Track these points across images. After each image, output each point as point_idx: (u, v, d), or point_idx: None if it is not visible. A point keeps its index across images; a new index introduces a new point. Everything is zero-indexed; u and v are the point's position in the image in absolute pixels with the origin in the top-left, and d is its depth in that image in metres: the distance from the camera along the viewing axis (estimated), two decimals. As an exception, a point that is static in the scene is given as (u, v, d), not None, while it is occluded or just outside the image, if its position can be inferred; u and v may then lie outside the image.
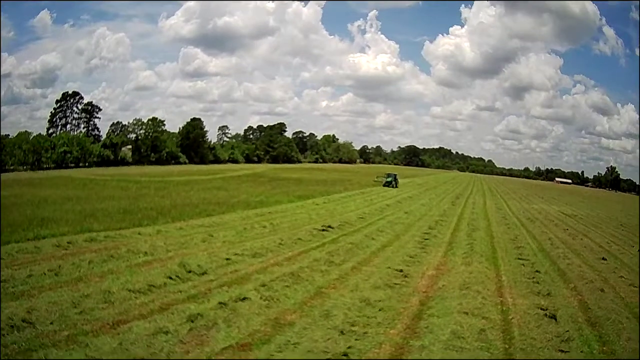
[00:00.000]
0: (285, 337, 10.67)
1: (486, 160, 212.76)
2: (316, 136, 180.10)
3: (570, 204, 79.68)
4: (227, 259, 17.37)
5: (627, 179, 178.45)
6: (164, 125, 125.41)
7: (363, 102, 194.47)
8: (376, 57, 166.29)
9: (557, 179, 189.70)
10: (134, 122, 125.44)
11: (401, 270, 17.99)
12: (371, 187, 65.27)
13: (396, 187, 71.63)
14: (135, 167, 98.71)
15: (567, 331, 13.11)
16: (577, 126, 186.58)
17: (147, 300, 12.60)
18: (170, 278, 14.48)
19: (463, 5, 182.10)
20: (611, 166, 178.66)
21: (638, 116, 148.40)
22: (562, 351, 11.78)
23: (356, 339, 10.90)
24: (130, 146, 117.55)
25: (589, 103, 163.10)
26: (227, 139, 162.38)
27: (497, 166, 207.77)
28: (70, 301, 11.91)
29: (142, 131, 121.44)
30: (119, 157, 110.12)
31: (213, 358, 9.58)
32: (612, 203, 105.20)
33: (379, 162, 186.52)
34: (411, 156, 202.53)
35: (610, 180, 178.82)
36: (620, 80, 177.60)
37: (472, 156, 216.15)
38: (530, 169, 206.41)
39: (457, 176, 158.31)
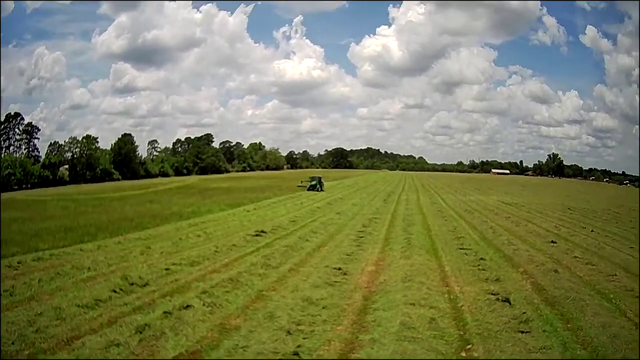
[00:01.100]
0: (232, 342, 11.35)
1: (417, 157, 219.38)
2: (243, 145, 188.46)
3: (509, 193, 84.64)
4: (167, 269, 18.49)
5: (571, 165, 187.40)
6: (97, 142, 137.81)
7: (288, 108, 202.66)
8: (301, 62, 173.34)
9: (493, 170, 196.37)
10: (69, 141, 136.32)
11: (339, 268, 19.04)
12: (300, 192, 69.27)
13: (321, 190, 72.95)
14: (73, 186, 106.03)
15: (524, 313, 13.94)
16: (514, 117, 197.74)
17: (96, 314, 13.37)
18: (115, 291, 15.36)
19: (391, 5, 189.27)
20: (553, 153, 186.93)
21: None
22: (522, 332, 12.53)
23: (304, 338, 11.60)
24: (67, 165, 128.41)
25: (526, 93, 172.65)
26: (157, 153, 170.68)
27: (429, 162, 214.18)
28: (26, 320, 12.71)
29: (77, 149, 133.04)
30: (57, 177, 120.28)
31: None
32: (556, 189, 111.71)
33: (307, 167, 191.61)
34: (339, 158, 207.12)
35: (553, 167, 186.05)
36: (561, 69, 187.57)
37: (401, 154, 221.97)
38: (464, 162, 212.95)
39: (387, 175, 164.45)
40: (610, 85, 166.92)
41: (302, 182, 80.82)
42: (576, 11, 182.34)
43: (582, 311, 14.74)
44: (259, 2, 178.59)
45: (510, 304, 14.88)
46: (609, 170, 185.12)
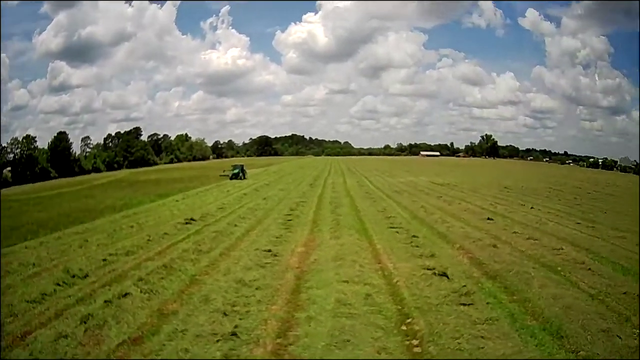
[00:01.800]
0: (172, 326, 11.99)
1: (342, 142, 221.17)
2: (170, 137, 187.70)
3: (440, 174, 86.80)
4: (104, 260, 19.39)
5: (507, 146, 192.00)
6: (36, 142, 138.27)
7: (213, 99, 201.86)
8: (226, 53, 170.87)
9: (422, 152, 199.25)
10: (11, 142, 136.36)
11: (269, 250, 20.06)
12: (227, 180, 71.38)
13: (244, 178, 72.45)
14: (15, 187, 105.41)
15: (464, 286, 14.66)
16: (444, 99, 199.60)
17: (43, 308, 14.02)
18: (59, 284, 16.12)
19: None
20: (486, 134, 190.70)
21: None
22: (464, 304, 13.15)
23: (240, 319, 12.23)
24: (10, 167, 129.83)
25: (458, 75, 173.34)
26: (90, 150, 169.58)
27: (355, 147, 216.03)
28: (-19, 320, 13.29)
29: (18, 150, 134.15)
30: (2, 179, 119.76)
31: (112, 357, 10.76)
32: (490, 169, 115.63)
33: (232, 156, 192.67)
34: (263, 146, 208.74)
35: (486, 148, 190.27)
36: (496, 51, 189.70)
37: (327, 140, 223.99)
38: (392, 146, 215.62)
39: (313, 161, 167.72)
40: (550, 67, 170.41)
41: (224, 171, 79.78)
42: None
43: (528, 283, 15.32)
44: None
45: (448, 278, 15.61)
46: (549, 151, 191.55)
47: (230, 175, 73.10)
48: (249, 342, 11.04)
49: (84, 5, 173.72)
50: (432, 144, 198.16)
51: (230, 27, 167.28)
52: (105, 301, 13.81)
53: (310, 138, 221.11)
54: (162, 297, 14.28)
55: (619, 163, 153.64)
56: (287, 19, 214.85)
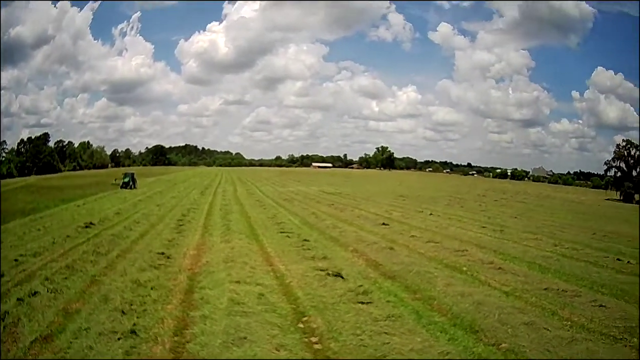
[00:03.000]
0: (76, 325, 12.14)
1: (234, 153, 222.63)
2: (74, 144, 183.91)
3: (332, 184, 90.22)
4: (16, 260, 19.88)
5: (404, 157, 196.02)
6: None
7: (115, 107, 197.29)
8: (131, 60, 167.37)
9: (314, 164, 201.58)
10: None
11: (163, 253, 20.65)
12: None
13: (135, 187, 71.38)
14: None
15: (360, 286, 15.10)
16: (339, 112, 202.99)
17: None
18: None
19: (227, 2, 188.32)
20: (382, 146, 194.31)
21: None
22: (362, 303, 13.43)
23: (138, 317, 12.43)
24: None
25: (355, 88, 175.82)
26: (5, 154, 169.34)
27: (247, 158, 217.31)
28: None
29: None
30: None
31: (28, 355, 10.88)
32: (385, 179, 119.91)
33: (129, 165, 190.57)
34: (158, 156, 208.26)
35: (382, 160, 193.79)
36: (400, 65, 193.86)
37: (219, 150, 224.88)
38: (283, 157, 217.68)
39: (204, 171, 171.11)
40: (458, 81, 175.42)
41: (115, 180, 79.11)
42: (430, 9, 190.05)
43: (431, 282, 15.75)
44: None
45: (343, 278, 16.10)
46: (450, 162, 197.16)
47: (120, 184, 72.12)
48: (148, 340, 11.15)
49: (17, 4, 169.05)
50: (325, 156, 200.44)
51: (138, 34, 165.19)
52: (18, 299, 14.24)
53: (203, 148, 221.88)
54: (67, 297, 14.55)
55: (531, 173, 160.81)
56: (192, 27, 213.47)
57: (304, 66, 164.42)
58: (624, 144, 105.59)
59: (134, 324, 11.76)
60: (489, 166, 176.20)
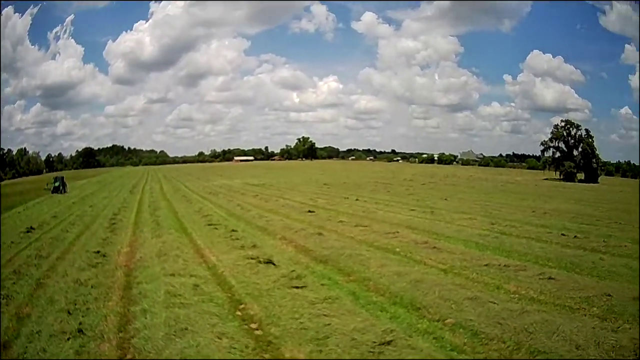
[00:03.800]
0: (28, 329, 11.97)
1: (158, 151, 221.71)
2: (13, 151, 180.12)
3: (255, 176, 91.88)
4: None
5: (325, 147, 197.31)
6: None
7: (48, 111, 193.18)
8: (64, 63, 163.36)
9: (236, 158, 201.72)
10: None
11: (99, 252, 20.46)
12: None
13: (65, 191, 69.91)
14: None
15: (293, 271, 15.26)
16: (259, 105, 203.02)
17: None
18: None
19: (154, 1, 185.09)
20: (303, 137, 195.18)
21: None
22: (297, 287, 13.56)
23: (83, 316, 12.31)
24: None
25: (276, 80, 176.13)
26: None
27: (170, 156, 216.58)
28: None
29: None
30: None
31: None
32: (307, 169, 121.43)
33: (62, 169, 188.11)
34: (88, 158, 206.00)
35: (303, 151, 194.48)
36: (322, 55, 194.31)
37: (144, 150, 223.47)
38: (206, 153, 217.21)
39: (131, 170, 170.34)
40: (382, 69, 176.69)
41: (47, 184, 77.62)
42: None
43: (364, 264, 15.83)
44: (44, 2, 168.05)
45: (274, 265, 16.26)
46: (374, 150, 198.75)
47: (51, 188, 70.82)
48: (95, 338, 11.04)
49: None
50: (246, 149, 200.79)
51: (70, 37, 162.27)
52: (-25, 308, 14.34)
53: (129, 148, 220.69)
54: (17, 302, 14.40)
55: (459, 157, 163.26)
56: (120, 27, 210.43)
57: (226, 61, 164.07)
58: (563, 124, 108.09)
59: (80, 323, 11.68)
60: (414, 152, 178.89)
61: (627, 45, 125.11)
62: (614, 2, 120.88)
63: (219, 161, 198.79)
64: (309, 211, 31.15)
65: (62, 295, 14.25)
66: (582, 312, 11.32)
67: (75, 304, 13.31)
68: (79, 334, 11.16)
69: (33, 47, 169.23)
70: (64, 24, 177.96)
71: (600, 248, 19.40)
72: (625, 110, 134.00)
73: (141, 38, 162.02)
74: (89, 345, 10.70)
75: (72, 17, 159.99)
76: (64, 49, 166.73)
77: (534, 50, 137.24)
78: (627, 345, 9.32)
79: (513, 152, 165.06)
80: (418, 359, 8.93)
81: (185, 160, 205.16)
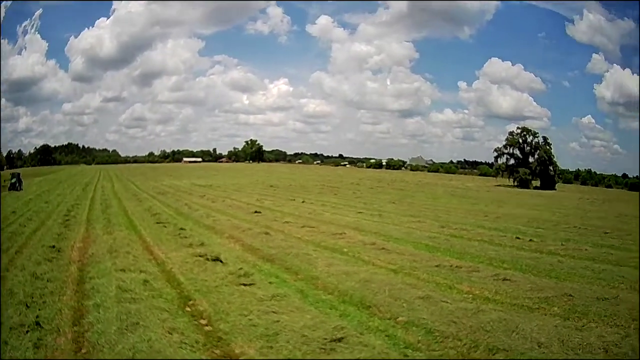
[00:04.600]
0: None
1: (110, 151, 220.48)
2: None
3: (202, 177, 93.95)
4: None
5: (273, 150, 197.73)
6: None
7: (11, 107, 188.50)
8: (29, 58, 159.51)
9: (185, 159, 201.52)
10: None
11: (54, 246, 20.41)
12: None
13: (21, 189, 68.71)
14: None
15: (240, 269, 15.35)
16: (209, 106, 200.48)
17: None
18: None
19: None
20: (251, 140, 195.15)
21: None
22: (245, 285, 13.68)
23: (39, 309, 12.29)
24: None
25: (227, 82, 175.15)
26: None
27: (122, 156, 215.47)
28: None
29: None
30: None
31: None
32: (255, 172, 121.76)
33: (21, 166, 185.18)
34: (45, 156, 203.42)
35: (251, 153, 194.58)
36: (274, 57, 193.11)
37: (97, 149, 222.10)
38: (156, 153, 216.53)
39: (85, 169, 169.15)
40: (333, 73, 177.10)
41: (5, 181, 76.20)
42: (314, 3, 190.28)
43: (312, 264, 16.06)
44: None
45: (222, 262, 16.46)
46: (321, 154, 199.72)
47: (8, 185, 69.65)
48: (52, 331, 10.95)
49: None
50: (195, 151, 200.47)
51: (37, 32, 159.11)
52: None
53: (83, 147, 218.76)
54: None
55: (408, 163, 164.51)
56: (84, 23, 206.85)
57: (180, 61, 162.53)
58: (519, 131, 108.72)
59: (37, 316, 11.66)
60: (362, 157, 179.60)
61: (594, 55, 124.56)
62: (585, 12, 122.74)
63: (168, 162, 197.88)
64: (256, 212, 31.61)
65: (20, 289, 14.24)
66: (542, 312, 11.45)
67: (33, 297, 13.36)
68: (37, 326, 11.14)
69: (3, 40, 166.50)
70: (32, 19, 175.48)
71: (558, 251, 19.77)
72: (587, 119, 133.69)
73: (101, 35, 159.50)
74: (46, 338, 10.61)
75: (40, 11, 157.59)
76: (30, 44, 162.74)
77: (492, 58, 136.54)
78: (595, 342, 9.43)
79: (465, 159, 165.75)
80: (371, 357, 8.82)
81: (136, 160, 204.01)
